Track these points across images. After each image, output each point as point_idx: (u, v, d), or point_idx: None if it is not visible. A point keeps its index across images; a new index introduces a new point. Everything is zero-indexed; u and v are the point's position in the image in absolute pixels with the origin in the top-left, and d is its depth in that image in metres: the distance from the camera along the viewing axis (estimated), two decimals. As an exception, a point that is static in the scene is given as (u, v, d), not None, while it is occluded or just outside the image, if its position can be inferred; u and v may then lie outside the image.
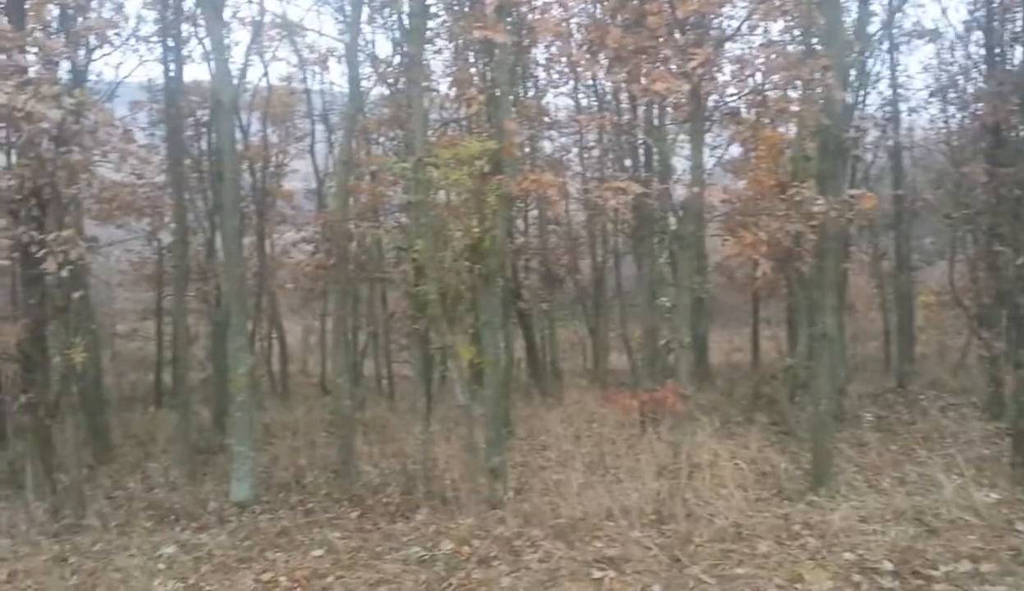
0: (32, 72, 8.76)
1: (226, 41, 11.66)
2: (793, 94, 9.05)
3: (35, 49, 8.95)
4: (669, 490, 8.09)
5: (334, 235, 11.47)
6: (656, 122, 13.43)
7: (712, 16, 10.71)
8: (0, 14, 9.08)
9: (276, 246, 18.07)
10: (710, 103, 9.86)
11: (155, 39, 13.17)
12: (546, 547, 7.23)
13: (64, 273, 8.63)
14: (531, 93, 15.65)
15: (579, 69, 14.26)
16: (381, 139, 14.90)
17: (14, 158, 9.76)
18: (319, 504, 9.47)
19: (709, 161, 12.58)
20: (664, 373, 11.95)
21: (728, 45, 10.40)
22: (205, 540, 8.29)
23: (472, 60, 12.86)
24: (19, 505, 9.37)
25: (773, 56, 9.19)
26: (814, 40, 10.52)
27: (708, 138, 11.98)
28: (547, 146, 16.75)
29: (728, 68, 9.24)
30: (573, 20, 12.21)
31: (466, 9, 11.21)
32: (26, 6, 9.10)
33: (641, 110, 14.28)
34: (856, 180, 14.28)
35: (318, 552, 7.61)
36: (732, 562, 6.53)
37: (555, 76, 15.62)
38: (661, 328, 13.25)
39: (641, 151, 14.76)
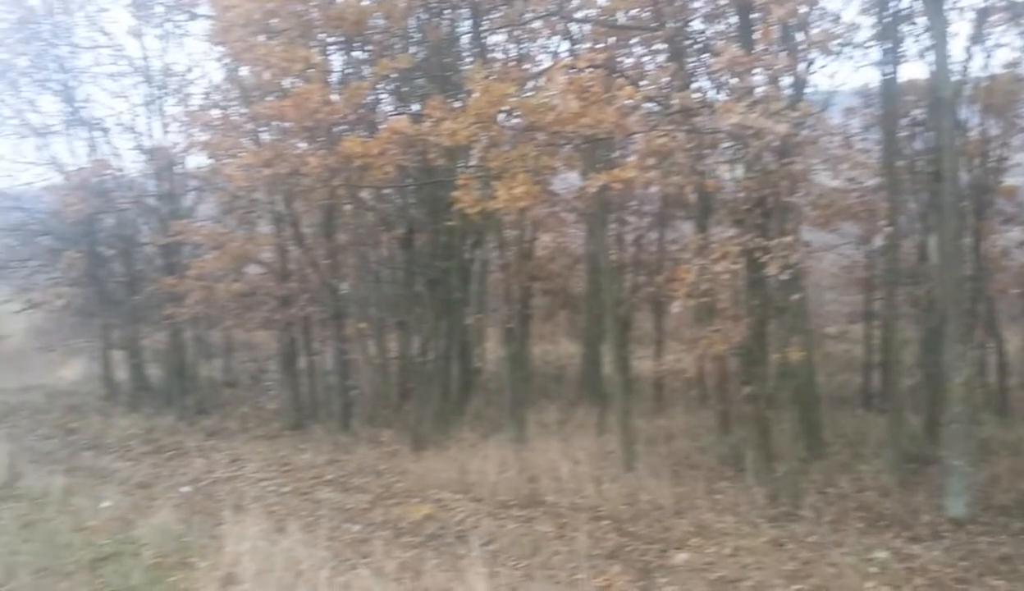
0: (758, 91, 9.60)
1: (946, 34, 11.04)
2: None
3: (761, 69, 9.75)
4: None
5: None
6: None
7: None
8: (730, 42, 10.16)
9: (995, 247, 16.43)
10: None
11: (871, 43, 13.16)
12: None
13: (784, 276, 9.31)
14: None
15: None
16: None
17: (740, 172, 10.83)
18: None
19: None
20: None
21: None
22: (918, 552, 8.07)
23: None
24: (740, 487, 10.41)
25: None
26: None
27: None
28: None
29: None
30: None
31: None
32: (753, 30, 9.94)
33: None
34: None
35: (1050, 588, 6.78)
36: None
37: None
38: None
39: None
